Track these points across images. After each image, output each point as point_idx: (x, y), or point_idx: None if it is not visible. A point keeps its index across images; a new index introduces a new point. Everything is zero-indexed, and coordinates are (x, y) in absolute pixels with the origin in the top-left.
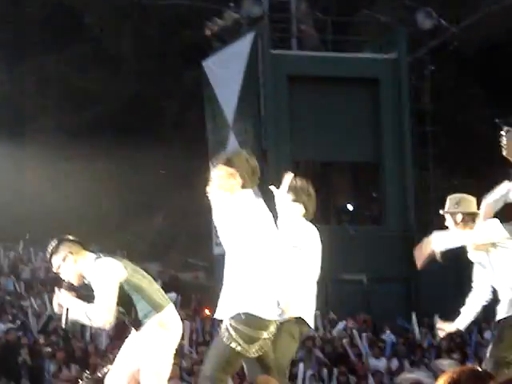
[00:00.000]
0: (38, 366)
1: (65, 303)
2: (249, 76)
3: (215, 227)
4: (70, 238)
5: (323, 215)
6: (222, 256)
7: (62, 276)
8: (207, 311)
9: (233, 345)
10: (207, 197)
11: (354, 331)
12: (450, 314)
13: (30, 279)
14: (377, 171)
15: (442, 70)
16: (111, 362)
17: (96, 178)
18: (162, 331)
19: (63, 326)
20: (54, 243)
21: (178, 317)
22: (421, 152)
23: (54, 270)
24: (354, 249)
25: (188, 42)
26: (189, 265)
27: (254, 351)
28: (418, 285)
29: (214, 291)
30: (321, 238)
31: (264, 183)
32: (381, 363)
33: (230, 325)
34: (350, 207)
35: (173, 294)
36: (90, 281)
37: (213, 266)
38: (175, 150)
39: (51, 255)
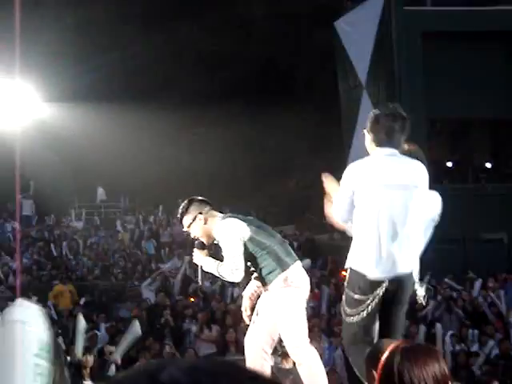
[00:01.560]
0: (180, 327)
1: (198, 261)
2: (382, 35)
3: None
4: (200, 198)
5: (461, 174)
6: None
7: (192, 235)
8: (344, 272)
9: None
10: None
11: (494, 291)
12: None
13: (170, 242)
14: None
15: None
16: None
17: (230, 141)
18: (289, 288)
19: (199, 282)
20: (184, 203)
21: (306, 275)
22: None
23: (185, 229)
24: (494, 207)
25: (319, 2)
26: (324, 226)
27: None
28: None
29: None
30: (459, 196)
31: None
32: None
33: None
34: (488, 165)
35: (307, 261)
36: (217, 240)
37: None
38: (308, 112)
39: (182, 215)
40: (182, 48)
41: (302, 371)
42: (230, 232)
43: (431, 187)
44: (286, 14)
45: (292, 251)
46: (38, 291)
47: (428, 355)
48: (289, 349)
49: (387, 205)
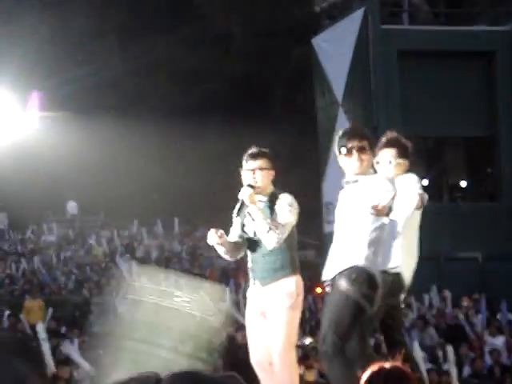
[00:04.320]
0: None
1: (247, 198)
2: (359, 52)
3: (327, 205)
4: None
5: (436, 192)
6: (333, 234)
7: (254, 178)
8: (319, 289)
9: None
10: (318, 174)
11: (470, 310)
12: None
13: (144, 257)
14: (492, 146)
15: None
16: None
17: (205, 156)
18: (296, 296)
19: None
20: (269, 150)
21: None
22: None
23: (255, 165)
24: (469, 226)
25: (297, 19)
26: (299, 243)
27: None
28: None
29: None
30: (435, 215)
31: None
32: (498, 341)
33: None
34: (463, 183)
35: None
36: (277, 202)
37: (323, 245)
38: (284, 128)
39: (266, 155)
40: (158, 62)
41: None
42: (295, 206)
43: None
44: (264, 31)
45: None
46: (10, 305)
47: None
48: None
49: None
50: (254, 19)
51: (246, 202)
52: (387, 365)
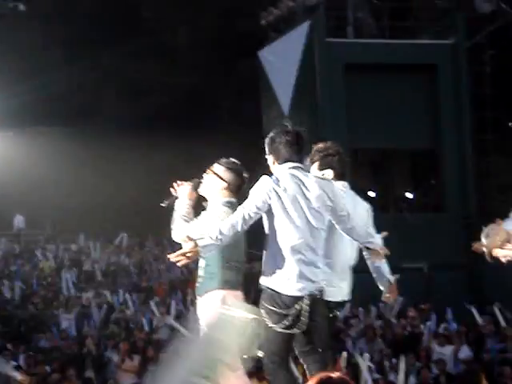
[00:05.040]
0: (101, 356)
1: (180, 192)
2: (305, 65)
3: None
4: (244, 176)
5: (382, 203)
6: None
7: (204, 179)
8: None
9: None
10: None
11: (416, 320)
12: None
13: (92, 271)
14: (436, 158)
15: (502, 55)
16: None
17: (152, 169)
18: (223, 307)
19: (162, 204)
20: (234, 162)
21: (244, 307)
22: (481, 138)
23: (208, 170)
24: (414, 237)
25: (243, 32)
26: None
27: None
28: (479, 272)
29: None
30: (380, 225)
31: None
32: (444, 351)
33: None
34: (409, 195)
35: None
36: (209, 207)
37: None
38: (231, 140)
39: (222, 164)
40: (105, 75)
41: None
42: (225, 214)
43: None
44: (210, 43)
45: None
46: None
47: None
48: None
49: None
50: (200, 32)
51: (178, 194)
52: (333, 374)
